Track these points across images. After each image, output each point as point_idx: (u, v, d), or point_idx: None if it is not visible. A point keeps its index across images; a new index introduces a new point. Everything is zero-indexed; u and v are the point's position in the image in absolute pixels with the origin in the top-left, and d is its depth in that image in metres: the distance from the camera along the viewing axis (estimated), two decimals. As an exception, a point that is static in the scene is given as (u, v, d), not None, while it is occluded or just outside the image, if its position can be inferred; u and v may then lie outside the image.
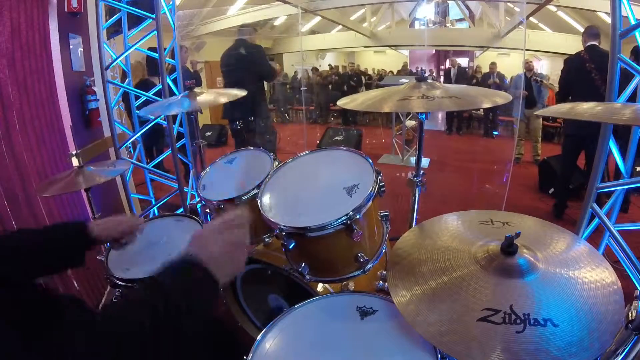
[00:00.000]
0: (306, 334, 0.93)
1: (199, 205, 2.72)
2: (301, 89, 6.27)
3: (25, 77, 1.74)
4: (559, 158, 3.96)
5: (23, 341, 0.50)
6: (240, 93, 1.68)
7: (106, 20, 2.46)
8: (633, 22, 1.54)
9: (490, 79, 6.64)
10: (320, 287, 1.29)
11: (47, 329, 0.54)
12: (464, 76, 7.42)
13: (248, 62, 3.37)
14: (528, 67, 5.08)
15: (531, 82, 4.92)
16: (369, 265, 1.07)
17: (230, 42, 3.42)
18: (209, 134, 6.57)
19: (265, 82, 3.85)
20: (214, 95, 1.63)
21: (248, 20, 7.18)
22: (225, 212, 0.79)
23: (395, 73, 9.69)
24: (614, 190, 1.76)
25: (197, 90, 1.60)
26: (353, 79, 9.00)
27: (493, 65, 6.84)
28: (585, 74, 2.93)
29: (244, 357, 0.87)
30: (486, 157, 5.78)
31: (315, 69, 9.66)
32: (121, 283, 1.35)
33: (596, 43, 3.00)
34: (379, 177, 1.05)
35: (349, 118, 8.43)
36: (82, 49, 2.36)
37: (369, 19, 9.37)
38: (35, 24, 1.85)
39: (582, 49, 3.05)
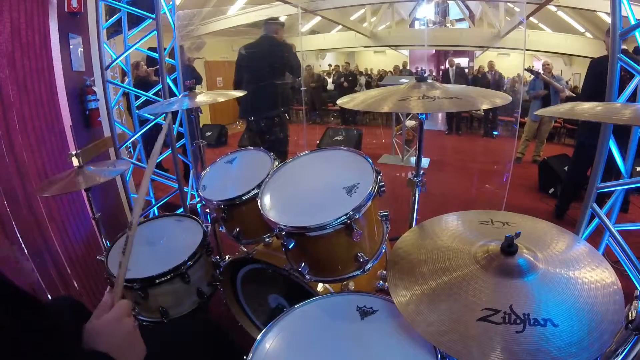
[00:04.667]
0: (306, 334, 0.93)
1: (199, 205, 2.73)
2: (301, 89, 6.24)
3: (25, 77, 1.74)
4: (559, 158, 3.95)
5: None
6: (239, 93, 1.68)
7: (106, 20, 2.46)
8: (633, 22, 1.54)
9: (489, 77, 6.70)
10: (320, 287, 1.29)
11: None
12: (463, 76, 7.41)
13: (276, 57, 3.17)
14: (547, 68, 5.02)
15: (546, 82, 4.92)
16: (369, 265, 1.07)
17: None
18: (209, 134, 6.58)
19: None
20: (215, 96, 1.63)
21: (246, 20, 7.16)
22: (109, 294, 0.78)
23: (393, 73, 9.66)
24: (614, 190, 1.76)
25: (196, 90, 1.60)
26: (348, 79, 9.00)
27: (491, 63, 7.01)
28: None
29: (244, 357, 0.87)
30: (486, 157, 5.78)
31: (308, 67, 9.51)
32: (121, 283, 1.35)
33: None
34: (379, 177, 1.05)
35: (348, 118, 8.42)
36: (82, 49, 2.36)
37: (369, 19, 9.35)
38: (35, 24, 1.85)
39: (605, 51, 2.87)
